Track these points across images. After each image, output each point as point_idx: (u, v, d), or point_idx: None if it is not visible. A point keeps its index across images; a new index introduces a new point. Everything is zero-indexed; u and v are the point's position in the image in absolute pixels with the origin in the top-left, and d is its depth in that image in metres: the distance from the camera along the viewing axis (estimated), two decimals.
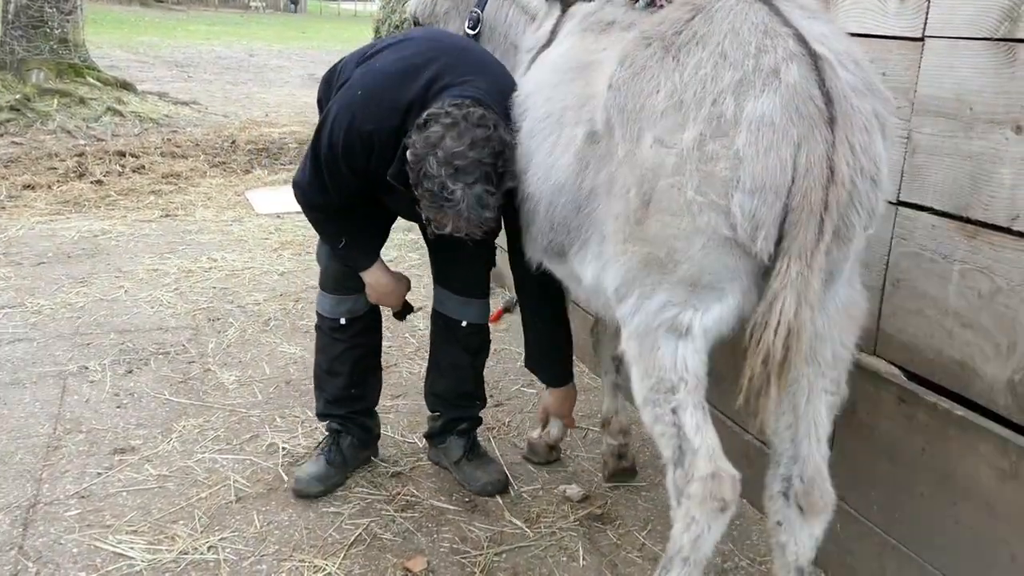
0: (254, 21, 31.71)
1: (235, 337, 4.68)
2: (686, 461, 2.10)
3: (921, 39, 2.41)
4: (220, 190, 7.72)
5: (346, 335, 3.23)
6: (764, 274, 1.98)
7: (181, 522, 3.05)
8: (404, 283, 3.23)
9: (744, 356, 1.95)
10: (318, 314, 3.27)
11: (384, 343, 4.30)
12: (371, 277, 3.11)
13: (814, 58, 1.90)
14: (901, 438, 2.54)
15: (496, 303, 5.23)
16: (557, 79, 2.47)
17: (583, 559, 2.94)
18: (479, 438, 3.48)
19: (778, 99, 1.87)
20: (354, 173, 2.75)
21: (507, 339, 4.78)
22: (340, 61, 2.99)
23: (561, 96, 2.42)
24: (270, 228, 6.66)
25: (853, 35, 2.59)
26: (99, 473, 3.35)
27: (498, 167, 2.46)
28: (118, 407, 3.87)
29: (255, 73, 16.54)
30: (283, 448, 3.59)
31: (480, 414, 3.43)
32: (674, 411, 2.09)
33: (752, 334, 1.92)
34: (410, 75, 2.64)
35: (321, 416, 3.39)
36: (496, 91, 2.67)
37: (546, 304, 2.92)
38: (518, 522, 3.13)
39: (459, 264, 3.18)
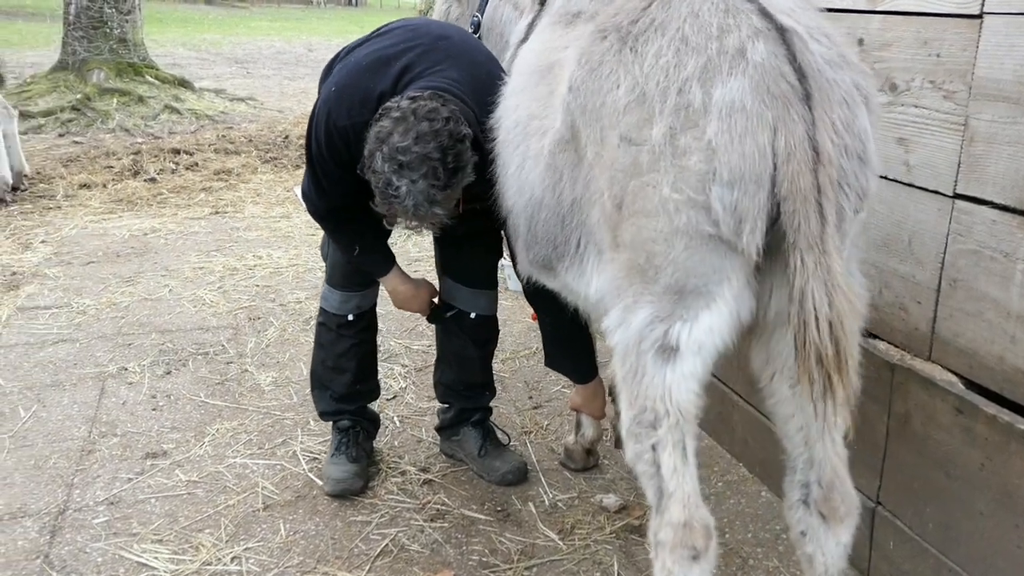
0: (315, 16, 32.20)
1: (275, 336, 4.69)
2: (662, 505, 2.04)
3: (979, 16, 2.26)
4: (270, 186, 7.76)
5: (353, 331, 3.23)
6: (757, 272, 1.92)
7: (207, 531, 3.04)
8: (426, 288, 3.20)
9: (798, 365, 1.85)
10: (323, 310, 3.26)
11: (419, 343, 4.34)
12: (390, 284, 3.10)
13: (781, 32, 1.81)
14: (958, 452, 2.41)
15: None
16: (523, 84, 2.41)
17: (618, 575, 2.85)
18: (494, 428, 3.49)
19: (747, 81, 1.77)
20: (342, 169, 2.72)
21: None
22: (338, 52, 2.96)
23: (527, 104, 2.35)
24: (316, 225, 6.60)
25: (903, 14, 2.47)
26: (130, 479, 3.35)
27: (447, 162, 2.40)
28: (154, 409, 3.88)
29: (312, 68, 16.72)
30: (314, 454, 3.57)
31: (506, 400, 3.47)
32: (654, 448, 2.04)
33: (796, 338, 1.83)
34: (382, 67, 2.62)
35: (329, 415, 3.37)
36: (470, 80, 2.61)
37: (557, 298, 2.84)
38: (551, 533, 3.06)
39: (466, 255, 3.16)
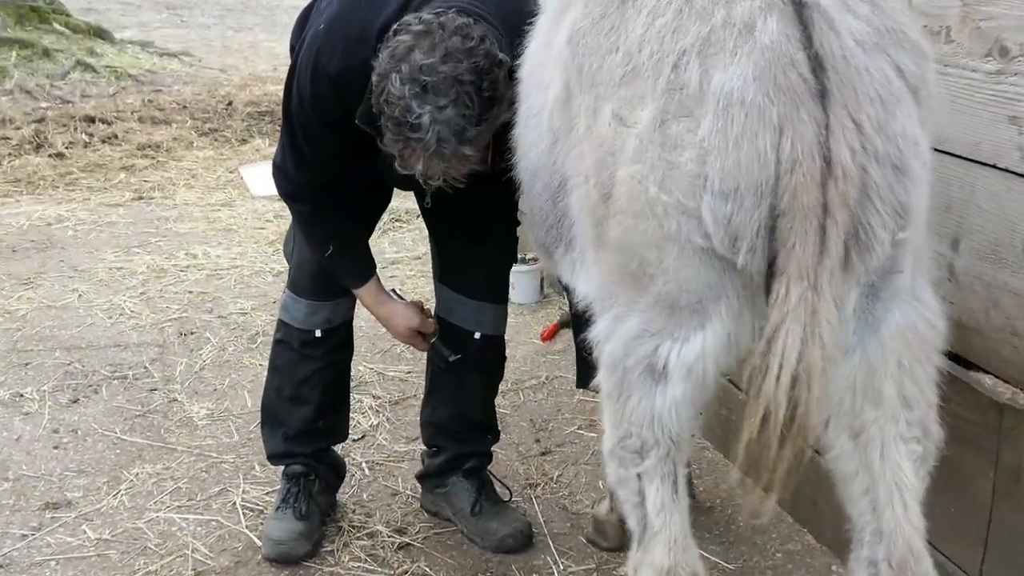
0: None
1: (211, 357, 4.69)
2: (645, 540, 2.17)
3: None
4: (208, 166, 7.75)
5: (321, 351, 3.27)
6: (764, 291, 1.96)
7: None
8: (413, 308, 3.22)
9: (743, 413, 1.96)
10: (282, 324, 3.30)
11: (396, 368, 4.32)
12: (367, 298, 3.13)
13: (799, 8, 1.84)
14: None
15: (547, 315, 5.17)
16: (545, 23, 2.48)
17: None
18: (492, 480, 3.50)
19: (751, 67, 1.81)
20: (331, 130, 2.74)
21: (563, 364, 4.67)
22: None
23: (540, 51, 2.42)
24: (267, 215, 6.65)
25: None
26: (24, 535, 3.36)
27: (482, 88, 2.41)
28: (56, 448, 3.88)
29: (264, 16, 16.67)
30: (259, 507, 3.57)
31: (508, 445, 3.51)
32: (639, 477, 2.17)
33: (750, 383, 1.91)
34: None
35: (279, 457, 3.41)
36: (497, 7, 2.63)
37: None
38: None
39: (474, 255, 3.17)
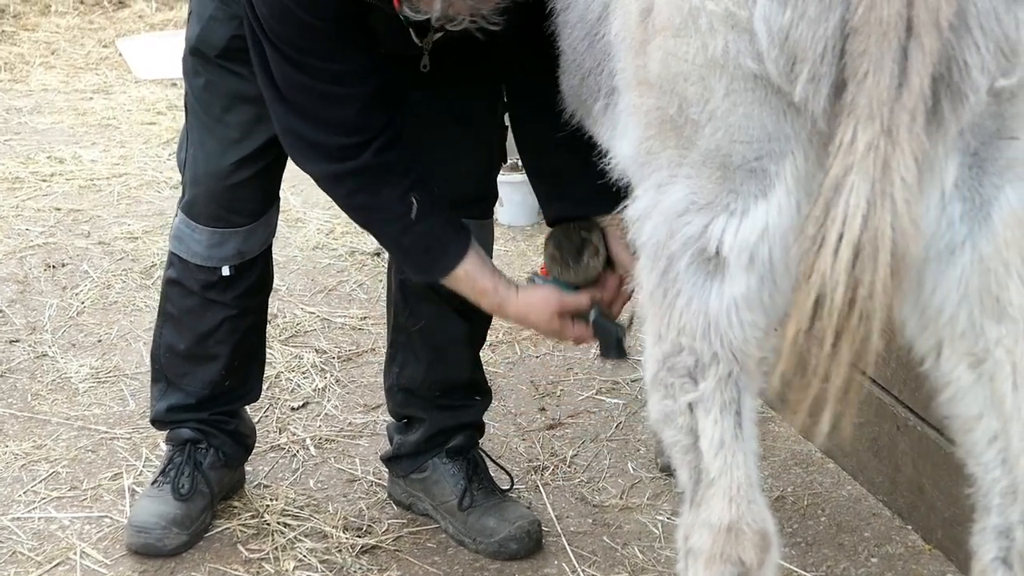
0: None
1: (91, 297, 4.69)
2: (699, 495, 2.25)
3: None
4: (74, 37, 7.72)
5: (229, 295, 3.32)
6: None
7: None
8: (544, 287, 3.09)
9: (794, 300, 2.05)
10: (176, 259, 3.33)
11: (347, 312, 4.36)
12: (470, 281, 3.01)
13: None
14: None
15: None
16: None
17: None
18: (486, 461, 3.55)
19: None
20: (335, 23, 2.75)
21: None
22: None
23: None
24: (158, 105, 6.60)
25: None
26: None
27: None
28: None
29: None
30: None
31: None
32: (691, 408, 2.24)
33: (801, 258, 2.01)
34: None
35: (164, 423, 3.49)
36: None
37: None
38: None
39: (444, 148, 3.17)
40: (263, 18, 2.78)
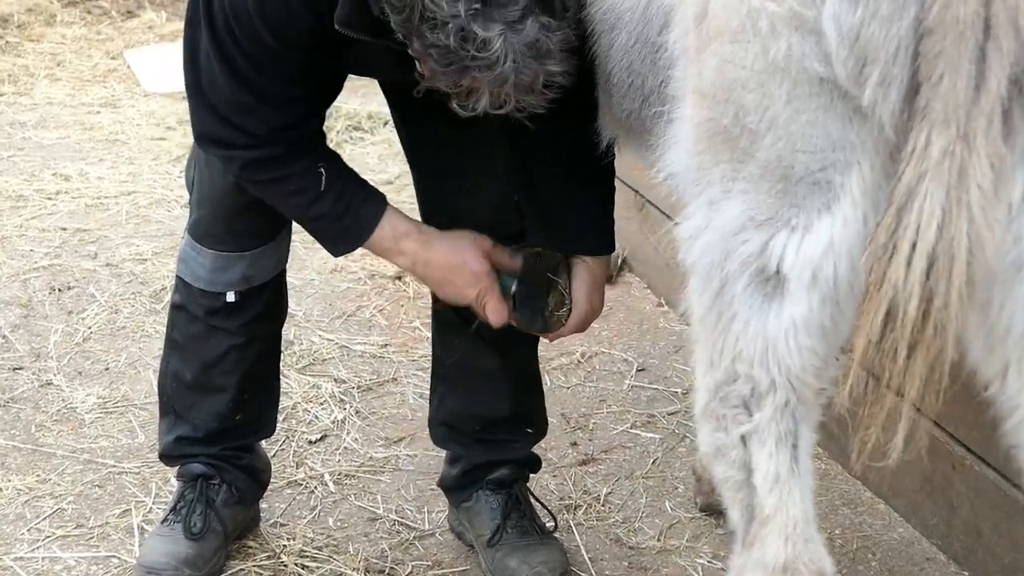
0: None
1: (99, 323, 4.68)
2: (752, 534, 2.27)
3: None
4: (80, 49, 7.70)
5: (235, 322, 3.31)
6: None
7: None
8: (480, 244, 3.10)
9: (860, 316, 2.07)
10: (181, 283, 3.34)
11: (368, 339, 4.35)
12: (393, 236, 3.03)
13: None
14: None
15: None
16: None
17: None
18: (529, 499, 3.56)
19: None
20: (302, 52, 2.77)
21: (605, 334, 4.72)
22: None
23: None
24: (168, 119, 6.60)
25: None
26: None
27: None
28: None
29: None
30: None
31: (536, 450, 3.55)
32: (744, 441, 2.26)
33: (871, 268, 2.03)
34: None
35: (173, 458, 3.48)
36: None
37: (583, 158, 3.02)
38: None
39: (475, 188, 3.20)
40: (217, 13, 2.77)
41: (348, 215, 3.01)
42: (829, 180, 2.10)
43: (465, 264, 3.06)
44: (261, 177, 2.98)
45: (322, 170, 2.96)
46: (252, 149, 2.92)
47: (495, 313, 3.07)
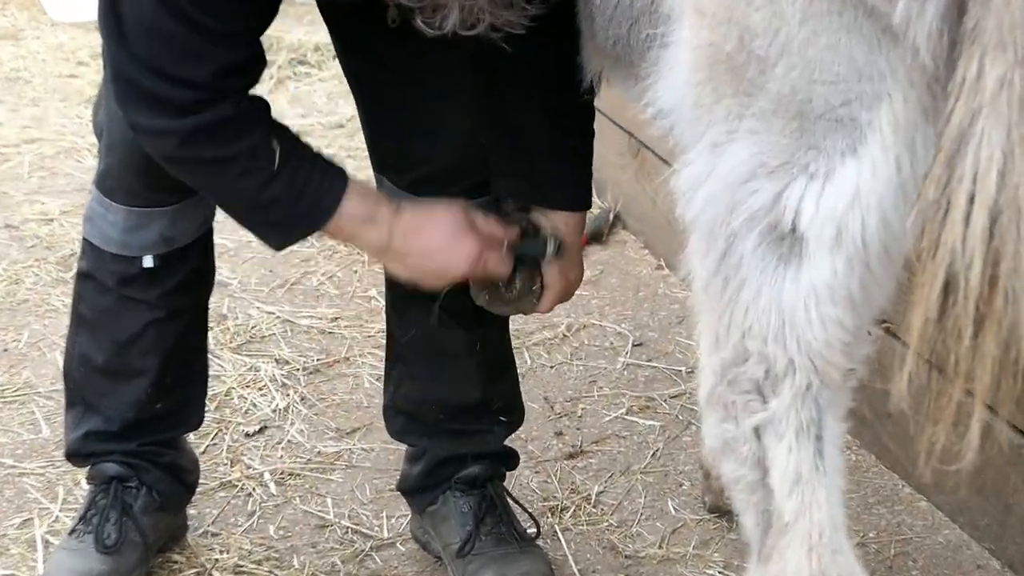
0: None
1: None
2: (769, 544, 2.24)
3: None
4: None
5: (153, 292, 3.21)
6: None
7: None
8: (455, 210, 3.01)
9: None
10: (89, 246, 3.23)
11: (316, 310, 4.52)
12: (360, 217, 2.92)
13: None
14: None
15: None
16: None
17: None
18: (506, 500, 3.47)
19: None
20: None
21: (595, 303, 4.70)
22: None
23: None
24: (80, 53, 6.72)
25: None
26: None
27: None
28: None
29: None
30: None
31: (513, 442, 3.50)
32: (757, 434, 2.21)
33: (923, 233, 1.96)
34: None
35: (82, 456, 3.39)
36: None
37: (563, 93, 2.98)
38: None
39: (435, 128, 3.13)
40: None
41: (307, 195, 2.92)
42: (854, 117, 2.04)
43: (456, 235, 2.99)
44: (205, 155, 2.85)
45: (276, 146, 2.84)
46: (194, 113, 2.77)
47: (501, 264, 3.03)
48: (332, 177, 2.92)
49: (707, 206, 2.20)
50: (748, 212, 2.13)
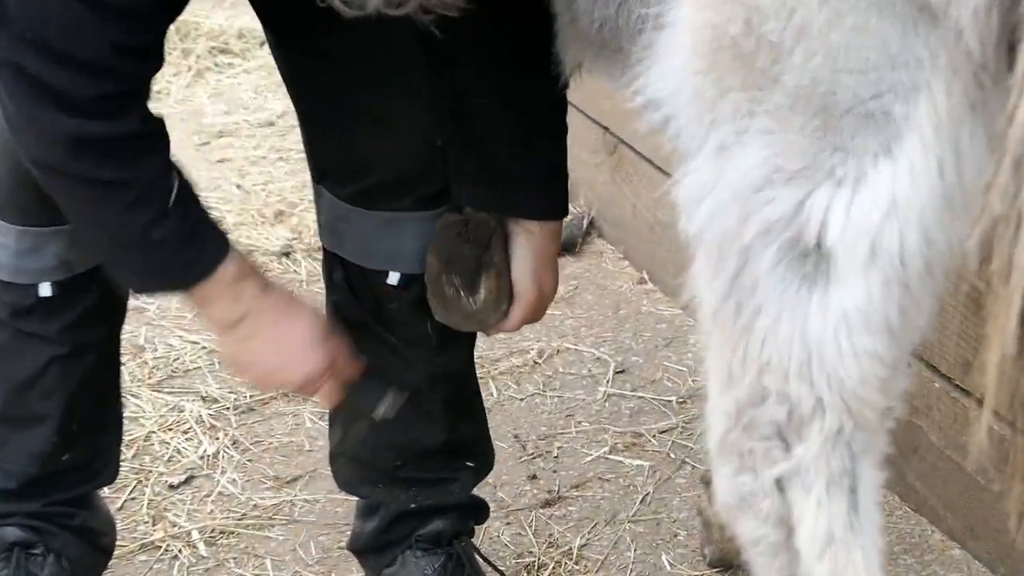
0: None
1: None
2: None
3: None
4: None
5: (56, 326, 3.14)
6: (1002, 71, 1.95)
7: None
8: (309, 316, 3.01)
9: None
10: None
11: None
12: (247, 288, 2.89)
13: None
14: None
15: None
16: None
17: None
18: (474, 559, 3.46)
19: None
20: None
21: (569, 324, 4.70)
22: None
23: None
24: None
25: None
26: None
27: None
28: None
29: None
30: None
31: (482, 490, 3.51)
32: (780, 487, 2.18)
33: (985, 256, 1.93)
34: None
35: None
36: None
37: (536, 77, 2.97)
38: None
39: (384, 128, 3.10)
40: None
41: (194, 244, 2.87)
42: (887, 111, 1.99)
43: (308, 345, 3.01)
44: (97, 173, 2.74)
45: (175, 180, 2.78)
46: (94, 115, 2.68)
47: (330, 396, 3.09)
48: (218, 233, 2.88)
49: (714, 219, 2.14)
50: (763, 225, 2.07)
